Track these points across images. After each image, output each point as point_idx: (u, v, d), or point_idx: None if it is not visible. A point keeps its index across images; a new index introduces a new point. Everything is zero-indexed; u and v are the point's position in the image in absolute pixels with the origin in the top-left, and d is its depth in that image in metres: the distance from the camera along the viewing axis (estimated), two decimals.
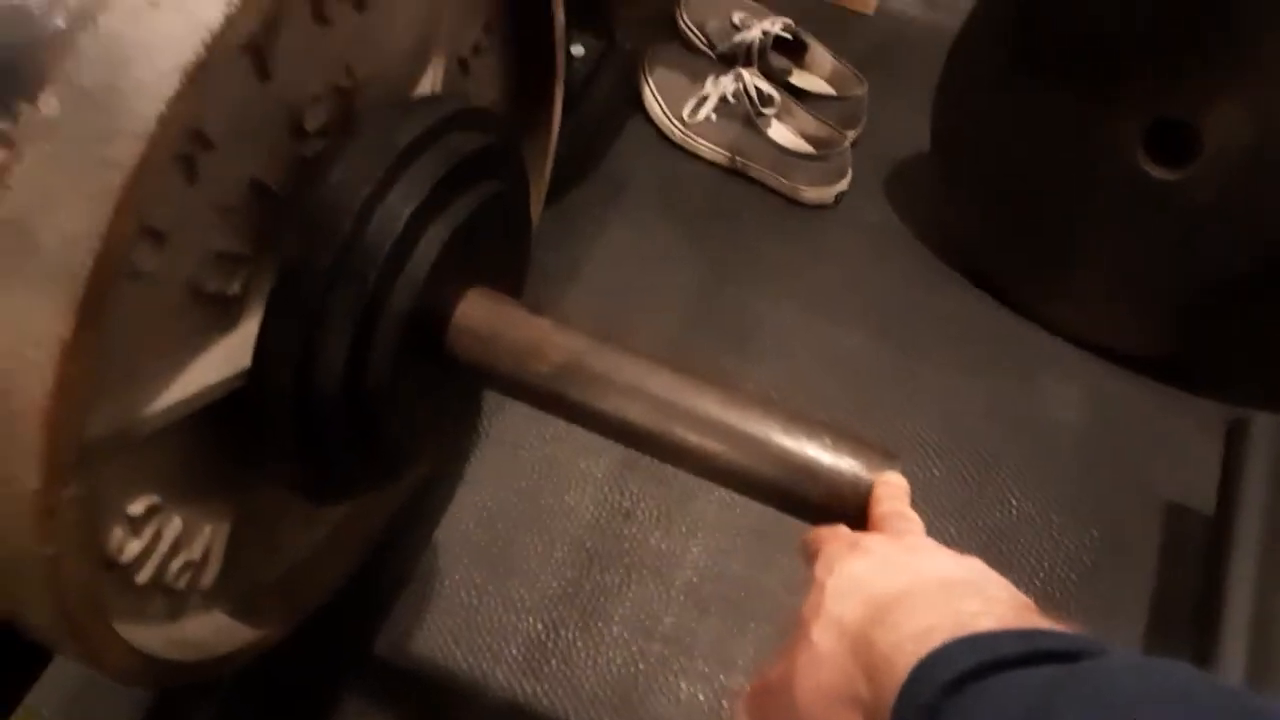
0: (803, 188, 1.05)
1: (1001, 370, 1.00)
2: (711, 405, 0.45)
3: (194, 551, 0.45)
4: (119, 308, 0.32)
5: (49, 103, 0.30)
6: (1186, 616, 0.78)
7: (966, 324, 1.03)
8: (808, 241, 1.06)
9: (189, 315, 0.39)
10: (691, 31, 1.15)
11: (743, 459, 0.45)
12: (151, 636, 0.42)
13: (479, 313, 0.47)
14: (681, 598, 0.84)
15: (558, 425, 0.96)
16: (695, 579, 0.85)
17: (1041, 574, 0.86)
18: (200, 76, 0.31)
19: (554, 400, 0.47)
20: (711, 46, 1.14)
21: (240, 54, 0.34)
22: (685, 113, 1.08)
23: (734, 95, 1.05)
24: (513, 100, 0.62)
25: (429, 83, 0.49)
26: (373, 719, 0.75)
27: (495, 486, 0.87)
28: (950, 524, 0.88)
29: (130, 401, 0.36)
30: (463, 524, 0.85)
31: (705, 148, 1.08)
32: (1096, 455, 0.94)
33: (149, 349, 0.37)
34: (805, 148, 1.07)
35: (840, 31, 1.22)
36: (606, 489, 0.89)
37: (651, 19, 1.20)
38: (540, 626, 0.81)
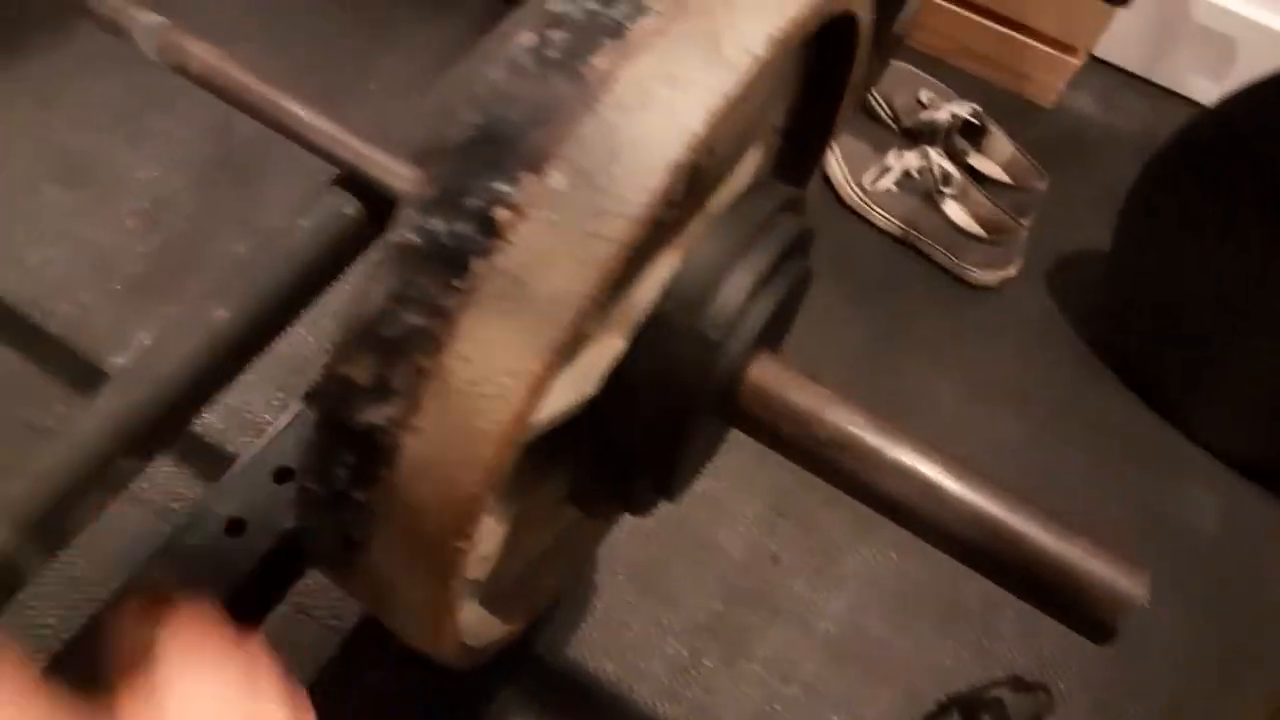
0: (972, 269, 1.10)
1: (1143, 472, 1.03)
2: (979, 496, 0.49)
3: (489, 547, 0.51)
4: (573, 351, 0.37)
5: (554, 177, 0.36)
6: None
7: (1115, 422, 1.06)
8: (970, 321, 1.10)
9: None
10: (878, 104, 1.20)
11: (1000, 550, 0.49)
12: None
13: (769, 375, 0.52)
14: (820, 647, 0.88)
15: (714, 462, 1.01)
16: (834, 630, 0.89)
17: (1170, 681, 0.89)
18: (680, 173, 0.36)
19: (826, 466, 0.51)
20: (896, 120, 1.18)
21: None
22: (866, 181, 1.13)
23: (918, 171, 1.10)
24: (778, 169, 0.67)
25: (751, 161, 0.54)
26: (521, 714, 0.80)
27: (654, 512, 0.92)
28: None
29: None
30: (620, 542, 0.90)
31: (880, 216, 1.13)
32: (1232, 568, 0.97)
33: None
34: (978, 230, 1.11)
35: (1016, 120, 1.26)
36: (756, 531, 0.94)
37: None
38: (685, 652, 0.86)
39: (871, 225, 1.14)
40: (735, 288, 0.46)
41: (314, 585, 0.82)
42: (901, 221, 1.12)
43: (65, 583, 0.76)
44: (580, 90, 0.37)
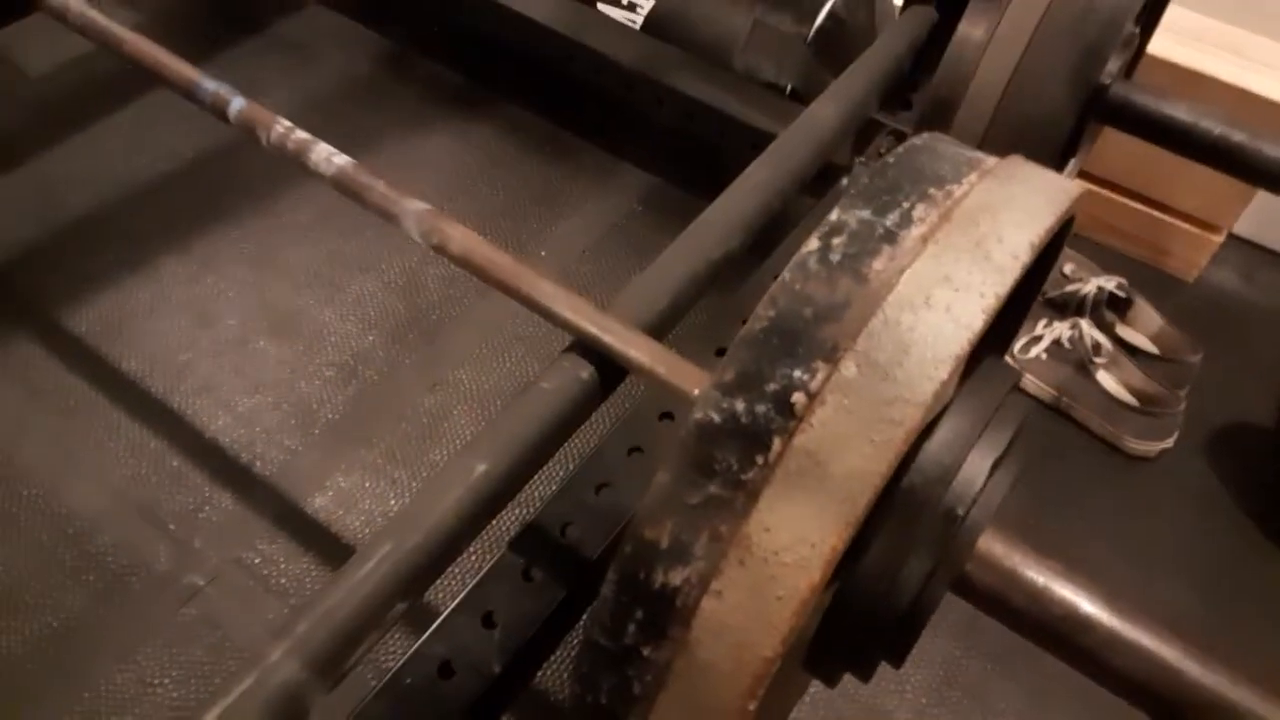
0: (1128, 438, 1.10)
1: None
2: (1220, 684, 0.49)
3: None
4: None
5: (848, 367, 0.40)
6: None
7: None
8: (1127, 490, 1.10)
9: None
10: None
11: None
12: None
13: (998, 549, 0.54)
14: None
15: None
16: None
17: None
18: (959, 366, 0.40)
19: (1060, 642, 0.52)
20: (1041, 292, 1.22)
21: None
22: (1016, 349, 1.15)
23: (1069, 341, 1.12)
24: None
25: None
26: None
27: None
28: None
29: None
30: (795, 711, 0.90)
31: (1031, 383, 1.15)
32: None
33: None
34: (1131, 400, 1.12)
35: (1158, 294, 1.28)
36: (925, 700, 0.92)
37: None
38: None
39: (1024, 392, 1.16)
40: (979, 464, 0.49)
41: None
42: (1054, 389, 1.13)
43: None
44: (865, 290, 0.42)
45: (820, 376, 0.41)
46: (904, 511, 0.48)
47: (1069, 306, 1.18)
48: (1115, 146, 1.14)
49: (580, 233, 1.25)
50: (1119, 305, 1.21)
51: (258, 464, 0.99)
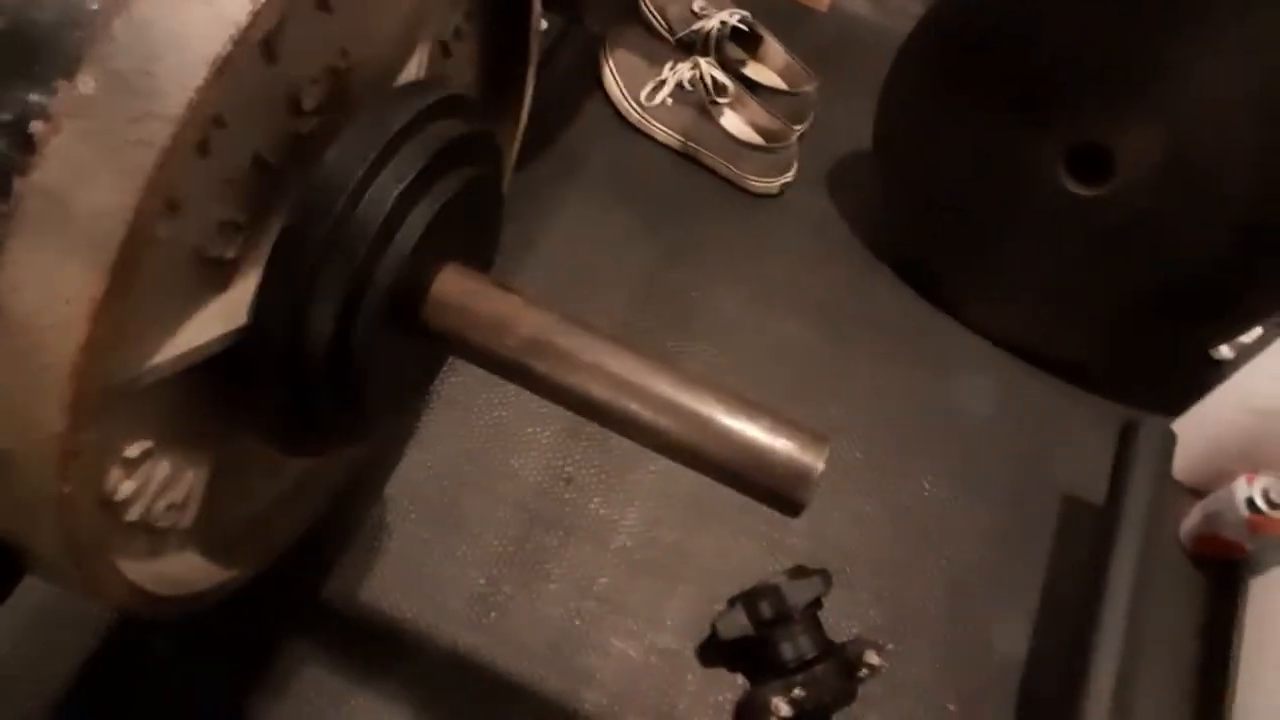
0: (750, 177, 1.10)
1: (923, 362, 1.07)
2: (665, 385, 0.50)
3: (177, 494, 0.49)
4: (137, 270, 0.35)
5: (86, 82, 0.33)
6: (1075, 595, 0.86)
7: (894, 317, 1.09)
8: (752, 229, 1.11)
9: (191, 277, 0.42)
10: (653, 15, 1.19)
11: (690, 436, 0.50)
12: (137, 571, 0.46)
13: (454, 287, 0.51)
14: (616, 560, 0.89)
15: (507, 391, 1.00)
16: (630, 543, 0.90)
17: (947, 552, 0.94)
18: (226, 68, 0.34)
19: (520, 372, 0.51)
20: (671, 32, 1.17)
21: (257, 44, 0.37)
22: (643, 95, 1.12)
23: (690, 82, 1.09)
24: (486, 83, 0.66)
25: (415, 65, 0.52)
26: (318, 664, 0.78)
27: (444, 447, 0.91)
28: (867, 502, 0.95)
29: (138, 354, 0.39)
30: (411, 481, 0.89)
31: (660, 131, 1.12)
32: (1005, 446, 1.02)
33: (156, 306, 0.40)
34: (755, 138, 1.12)
35: (793, 26, 1.27)
36: (550, 455, 0.94)
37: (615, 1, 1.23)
38: (482, 581, 0.85)
39: (653, 140, 1.13)
40: (378, 194, 0.44)
41: None
42: (680, 134, 1.11)
43: None
44: None
45: (61, 98, 0.34)
46: (291, 254, 0.43)
47: (695, 46, 1.14)
48: None
49: None
50: (749, 42, 1.19)
51: None
